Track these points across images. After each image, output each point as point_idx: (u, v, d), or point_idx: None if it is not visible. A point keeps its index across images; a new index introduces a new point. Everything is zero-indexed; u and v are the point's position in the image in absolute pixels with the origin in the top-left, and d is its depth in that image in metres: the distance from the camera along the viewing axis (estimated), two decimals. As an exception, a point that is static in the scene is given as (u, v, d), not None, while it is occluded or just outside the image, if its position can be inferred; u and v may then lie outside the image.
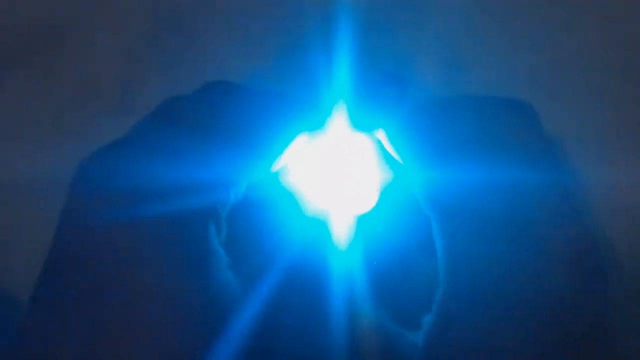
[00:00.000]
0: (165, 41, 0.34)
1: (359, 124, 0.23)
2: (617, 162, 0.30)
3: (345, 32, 0.30)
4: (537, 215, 0.20)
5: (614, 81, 0.32)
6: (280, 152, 0.22)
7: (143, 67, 0.34)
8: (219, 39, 0.34)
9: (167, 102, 0.22)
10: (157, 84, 0.33)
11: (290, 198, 0.23)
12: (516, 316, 0.19)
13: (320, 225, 0.23)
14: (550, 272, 0.19)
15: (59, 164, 0.31)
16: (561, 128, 0.31)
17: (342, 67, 0.27)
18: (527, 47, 0.33)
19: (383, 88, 0.27)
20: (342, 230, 0.23)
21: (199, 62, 0.34)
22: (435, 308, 0.20)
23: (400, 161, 0.22)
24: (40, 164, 0.32)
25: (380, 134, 0.23)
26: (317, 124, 0.23)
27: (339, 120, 0.23)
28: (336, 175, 0.23)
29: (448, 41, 0.33)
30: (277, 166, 0.22)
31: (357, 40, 0.30)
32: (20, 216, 0.31)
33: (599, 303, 0.19)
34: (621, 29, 0.32)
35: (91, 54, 0.34)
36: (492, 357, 0.18)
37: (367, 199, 0.23)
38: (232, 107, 0.21)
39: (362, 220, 0.23)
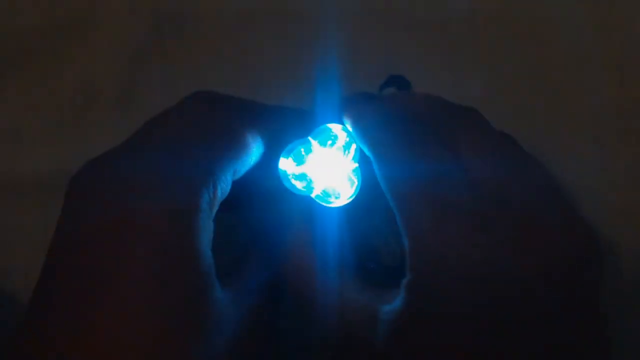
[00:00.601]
0: (165, 43, 0.34)
1: (340, 119, 0.24)
2: (616, 162, 0.30)
3: (336, 39, 0.31)
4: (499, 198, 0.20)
5: (613, 81, 0.32)
6: (264, 151, 0.23)
7: (143, 68, 0.34)
8: (218, 40, 0.34)
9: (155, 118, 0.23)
10: (157, 85, 0.34)
11: (278, 191, 0.23)
12: (488, 301, 0.19)
13: (306, 213, 0.24)
14: (516, 255, 0.19)
15: (60, 164, 0.31)
16: (560, 127, 0.31)
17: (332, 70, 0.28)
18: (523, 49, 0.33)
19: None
20: (325, 217, 0.23)
21: (199, 63, 0.34)
22: (407, 286, 0.20)
23: (369, 153, 0.23)
24: (41, 164, 0.32)
25: (352, 128, 0.23)
26: (301, 129, 0.24)
27: (323, 117, 0.24)
28: (320, 169, 0.24)
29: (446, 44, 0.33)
30: (264, 163, 0.23)
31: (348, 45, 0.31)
32: (20, 216, 0.31)
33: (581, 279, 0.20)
34: (621, 29, 0.33)
35: (92, 56, 0.34)
36: (462, 337, 0.19)
37: (347, 190, 0.23)
38: (214, 112, 0.22)
39: (343, 209, 0.24)
